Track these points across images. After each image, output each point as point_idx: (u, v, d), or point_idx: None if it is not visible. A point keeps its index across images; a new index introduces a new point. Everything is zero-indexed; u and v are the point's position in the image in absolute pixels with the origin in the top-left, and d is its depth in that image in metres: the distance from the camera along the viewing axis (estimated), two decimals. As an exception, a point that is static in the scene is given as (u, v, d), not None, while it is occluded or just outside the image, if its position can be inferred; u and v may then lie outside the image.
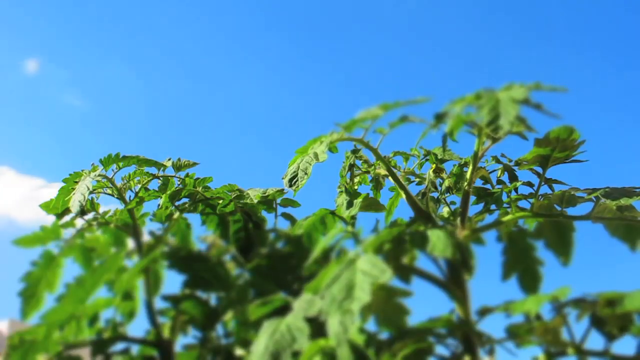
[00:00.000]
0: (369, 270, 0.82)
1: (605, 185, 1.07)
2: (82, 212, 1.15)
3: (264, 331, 0.85)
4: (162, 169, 1.29)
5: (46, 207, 1.28)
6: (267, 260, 1.17)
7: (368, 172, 1.29)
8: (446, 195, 1.23)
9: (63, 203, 1.25)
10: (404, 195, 1.14)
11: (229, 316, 1.17)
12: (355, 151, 1.24)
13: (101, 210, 1.31)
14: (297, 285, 1.11)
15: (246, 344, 1.16)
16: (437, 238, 0.89)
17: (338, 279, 0.83)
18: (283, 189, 1.29)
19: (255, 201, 1.25)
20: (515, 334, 0.96)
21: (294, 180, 1.04)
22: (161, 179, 1.30)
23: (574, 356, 0.93)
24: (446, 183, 1.21)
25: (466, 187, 1.10)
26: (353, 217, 1.20)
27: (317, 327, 0.85)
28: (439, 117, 0.98)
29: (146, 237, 1.29)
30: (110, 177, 1.27)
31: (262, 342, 0.83)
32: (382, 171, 1.25)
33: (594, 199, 1.07)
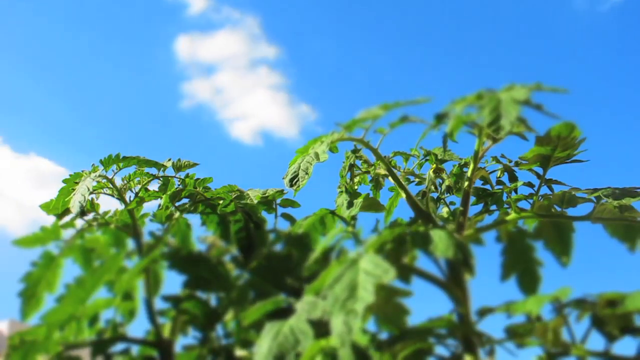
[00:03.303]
0: (372, 270, 0.82)
1: (607, 186, 1.07)
2: (82, 213, 1.15)
3: (266, 333, 0.85)
4: (162, 169, 1.29)
5: (46, 207, 1.27)
6: (266, 261, 1.17)
7: (368, 172, 1.29)
8: (446, 195, 1.23)
9: (63, 203, 1.25)
10: (404, 195, 1.14)
11: (229, 316, 1.17)
12: (355, 151, 1.24)
13: (101, 210, 1.31)
14: (298, 285, 1.11)
15: (246, 344, 1.16)
16: (439, 238, 0.89)
17: (341, 278, 0.82)
18: (283, 190, 1.29)
19: (255, 201, 1.25)
20: (515, 334, 0.96)
21: (295, 180, 1.04)
22: (161, 179, 1.30)
23: (575, 356, 0.93)
24: (446, 183, 1.21)
25: (466, 187, 1.10)
26: (353, 217, 1.20)
27: (317, 327, 0.85)
28: (440, 118, 0.98)
29: (146, 238, 1.29)
30: (110, 177, 1.27)
31: (264, 344, 0.83)
32: (382, 171, 1.25)
33: (594, 199, 1.07)
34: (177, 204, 1.29)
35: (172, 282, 1.25)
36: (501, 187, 1.18)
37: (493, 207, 1.18)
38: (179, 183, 1.29)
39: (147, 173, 1.29)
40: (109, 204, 1.51)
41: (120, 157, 1.24)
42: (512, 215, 1.12)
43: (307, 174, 1.03)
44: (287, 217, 1.31)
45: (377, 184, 1.30)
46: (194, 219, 1.31)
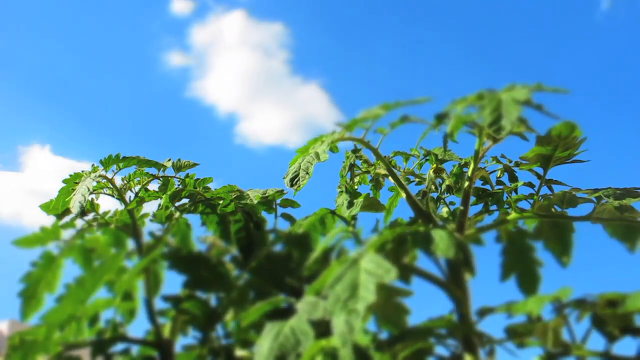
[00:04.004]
0: (373, 270, 0.82)
1: (607, 186, 1.08)
2: (82, 213, 1.14)
3: (266, 333, 0.85)
4: (162, 169, 1.29)
5: (46, 207, 1.27)
6: (266, 261, 1.17)
7: (368, 172, 1.29)
8: (446, 195, 1.23)
9: (63, 204, 1.25)
10: (404, 195, 1.14)
11: (229, 316, 1.17)
12: (355, 151, 1.24)
13: (101, 210, 1.31)
14: (298, 285, 1.11)
15: (246, 344, 1.16)
16: (439, 238, 0.89)
17: (342, 278, 0.82)
18: (283, 190, 1.29)
19: (255, 202, 1.25)
20: (516, 334, 0.97)
21: (296, 179, 1.04)
22: (161, 179, 1.30)
23: (575, 356, 0.93)
24: (446, 183, 1.21)
25: (466, 187, 1.10)
26: (354, 217, 1.20)
27: (316, 327, 0.85)
28: (440, 118, 0.98)
29: (146, 238, 1.29)
30: (110, 177, 1.26)
31: (265, 345, 0.82)
32: (382, 171, 1.25)
33: (594, 199, 1.07)
34: (177, 204, 1.28)
35: (172, 282, 1.25)
36: (501, 187, 1.18)
37: (493, 207, 1.18)
38: (179, 183, 1.29)
39: (147, 173, 1.29)
40: (109, 204, 1.51)
41: (120, 157, 1.23)
42: (513, 215, 1.12)
43: (307, 173, 1.03)
44: (287, 217, 1.31)
45: (377, 183, 1.30)
46: (194, 219, 1.31)
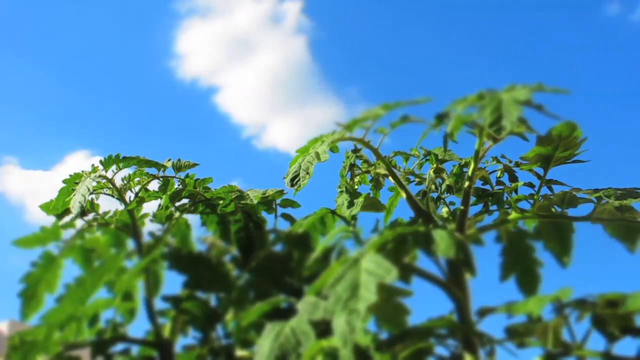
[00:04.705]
0: (374, 270, 0.82)
1: (607, 186, 1.08)
2: (82, 213, 1.14)
3: (267, 333, 0.85)
4: (162, 169, 1.28)
5: (46, 207, 1.27)
6: (266, 261, 1.17)
7: (368, 171, 1.29)
8: (446, 195, 1.23)
9: (63, 204, 1.25)
10: (404, 195, 1.14)
11: (229, 316, 1.17)
12: (355, 151, 1.24)
13: (101, 210, 1.31)
14: (298, 284, 1.11)
15: (246, 344, 1.16)
16: (440, 238, 0.89)
17: (342, 278, 0.82)
18: (283, 190, 1.29)
19: (255, 202, 1.25)
20: (516, 334, 0.97)
21: (296, 179, 1.04)
22: (161, 179, 1.30)
23: (575, 356, 0.93)
24: (446, 183, 1.21)
25: (467, 187, 1.10)
26: (354, 217, 1.20)
27: (316, 327, 0.85)
28: (440, 118, 0.98)
29: (146, 238, 1.29)
30: (110, 177, 1.26)
31: (266, 345, 0.82)
32: (382, 171, 1.25)
33: (594, 199, 1.08)
34: (177, 204, 1.28)
35: (172, 282, 1.25)
36: (501, 187, 1.18)
37: (493, 207, 1.18)
38: (179, 183, 1.29)
39: (147, 173, 1.29)
40: (109, 204, 1.51)
41: (120, 157, 1.23)
42: (513, 215, 1.12)
43: (307, 173, 1.03)
44: (287, 217, 1.31)
45: (377, 183, 1.30)
46: (194, 219, 1.31)
